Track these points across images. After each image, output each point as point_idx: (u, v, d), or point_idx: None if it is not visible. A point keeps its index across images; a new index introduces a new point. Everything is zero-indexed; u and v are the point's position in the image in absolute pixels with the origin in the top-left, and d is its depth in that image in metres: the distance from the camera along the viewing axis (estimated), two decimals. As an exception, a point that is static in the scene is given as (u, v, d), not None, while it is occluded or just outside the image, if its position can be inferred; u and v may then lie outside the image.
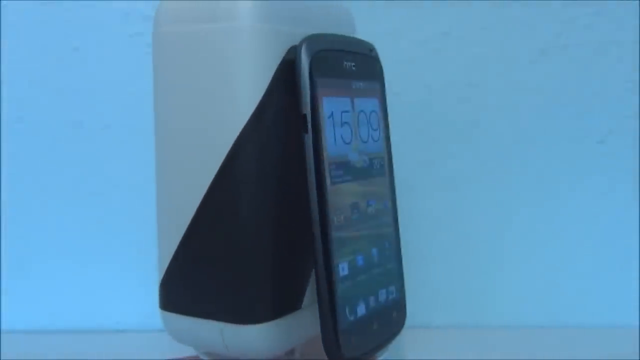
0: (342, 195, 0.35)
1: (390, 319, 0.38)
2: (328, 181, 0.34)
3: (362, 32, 0.41)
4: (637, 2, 0.55)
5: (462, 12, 0.55)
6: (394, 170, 0.39)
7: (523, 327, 0.55)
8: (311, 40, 0.34)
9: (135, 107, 0.53)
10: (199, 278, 0.36)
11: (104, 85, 0.54)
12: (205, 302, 0.36)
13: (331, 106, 0.35)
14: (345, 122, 0.36)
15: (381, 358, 0.39)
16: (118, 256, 0.55)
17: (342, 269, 0.34)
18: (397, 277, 0.39)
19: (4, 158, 0.55)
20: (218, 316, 0.35)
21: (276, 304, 0.35)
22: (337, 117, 0.35)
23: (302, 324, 0.36)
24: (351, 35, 0.40)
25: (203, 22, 0.34)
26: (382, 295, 0.38)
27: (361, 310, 0.36)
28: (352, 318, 0.35)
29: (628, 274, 0.56)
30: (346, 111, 0.36)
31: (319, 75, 0.34)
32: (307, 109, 0.33)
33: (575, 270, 0.56)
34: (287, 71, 0.34)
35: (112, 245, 0.55)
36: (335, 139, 0.35)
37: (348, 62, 0.36)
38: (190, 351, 0.41)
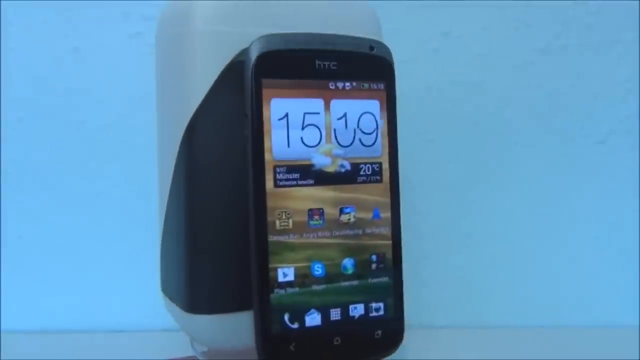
0: (294, 199, 0.34)
1: (370, 337, 0.36)
2: (270, 183, 0.34)
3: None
4: (637, 2, 0.55)
5: (462, 12, 0.55)
6: (398, 177, 0.38)
7: (523, 327, 0.55)
8: (260, 40, 0.34)
9: (136, 107, 0.53)
10: (169, 264, 0.38)
11: (104, 85, 0.54)
12: (171, 287, 0.38)
13: (285, 107, 0.34)
14: (311, 124, 0.35)
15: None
16: (118, 256, 0.55)
17: (284, 274, 0.34)
18: (389, 294, 0.37)
19: (4, 158, 0.55)
20: (177, 302, 0.37)
21: (225, 298, 0.35)
22: (295, 118, 0.34)
23: None
24: (375, 35, 0.39)
25: (175, 27, 0.36)
26: (357, 310, 0.36)
27: (313, 320, 0.35)
28: (294, 326, 0.34)
29: (628, 274, 0.56)
30: (313, 113, 0.35)
31: (269, 75, 0.34)
32: (248, 110, 0.34)
33: (576, 270, 0.56)
34: (237, 72, 0.34)
35: (112, 245, 0.55)
36: (288, 141, 0.34)
37: (324, 62, 0.35)
38: (190, 351, 0.41)
